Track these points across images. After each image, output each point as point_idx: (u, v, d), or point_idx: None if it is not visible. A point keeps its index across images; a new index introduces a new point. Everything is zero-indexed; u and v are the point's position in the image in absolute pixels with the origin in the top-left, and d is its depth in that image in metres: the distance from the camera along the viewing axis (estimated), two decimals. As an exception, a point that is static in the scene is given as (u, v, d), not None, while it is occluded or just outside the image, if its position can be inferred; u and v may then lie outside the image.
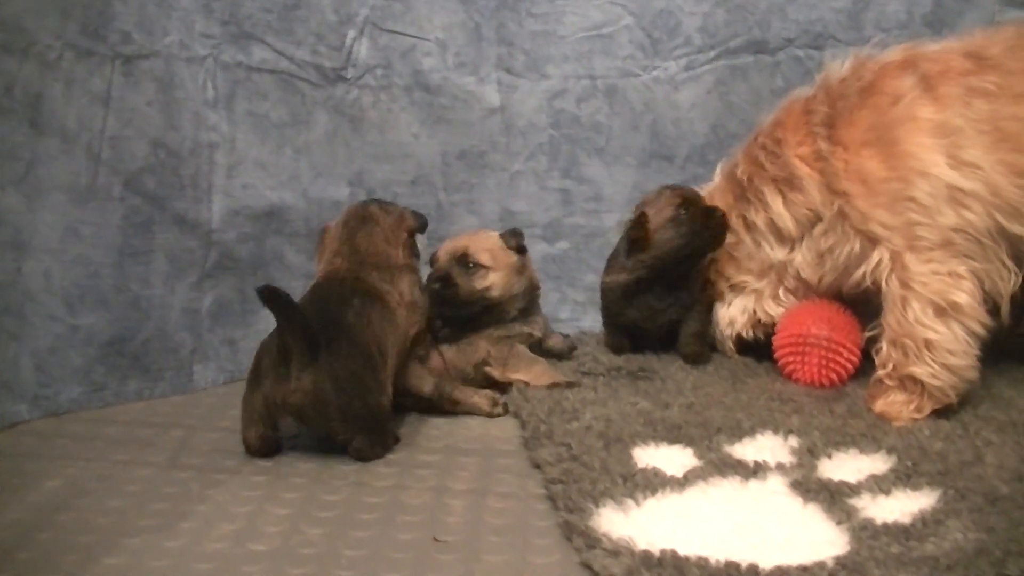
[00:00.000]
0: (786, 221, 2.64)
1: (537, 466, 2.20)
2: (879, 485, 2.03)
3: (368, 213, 2.65)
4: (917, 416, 2.41)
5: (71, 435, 2.45)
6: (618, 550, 1.76)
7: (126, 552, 1.85)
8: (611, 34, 3.06)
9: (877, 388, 2.51)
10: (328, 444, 2.32)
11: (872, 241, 2.48)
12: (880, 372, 2.50)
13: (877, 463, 2.15)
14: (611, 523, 1.87)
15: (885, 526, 1.87)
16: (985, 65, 2.49)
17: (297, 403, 2.23)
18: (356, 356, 2.27)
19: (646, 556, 1.73)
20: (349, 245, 2.58)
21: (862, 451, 2.21)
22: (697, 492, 2.02)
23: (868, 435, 2.28)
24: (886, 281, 2.47)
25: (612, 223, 3.16)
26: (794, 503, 1.98)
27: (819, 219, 2.58)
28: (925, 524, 1.86)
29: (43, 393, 2.56)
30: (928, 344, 2.41)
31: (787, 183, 2.61)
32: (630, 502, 1.95)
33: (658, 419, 2.38)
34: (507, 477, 2.18)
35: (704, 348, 2.89)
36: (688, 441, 2.26)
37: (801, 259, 2.65)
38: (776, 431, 2.31)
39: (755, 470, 2.11)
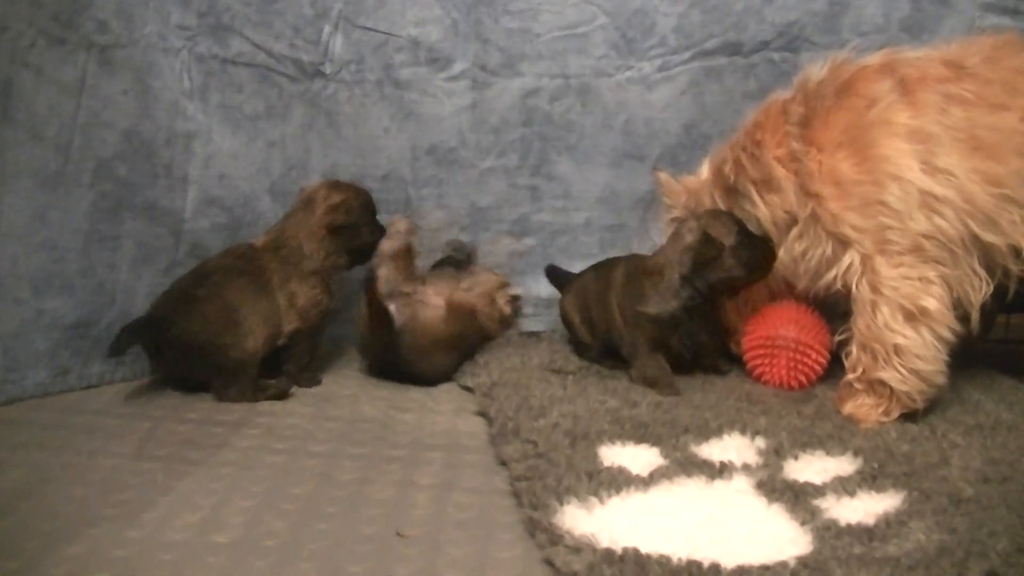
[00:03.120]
0: (768, 223, 2.64)
1: (503, 462, 2.20)
2: (844, 486, 2.03)
3: (313, 197, 2.80)
4: (884, 419, 2.42)
5: (37, 423, 2.44)
6: (580, 547, 1.76)
7: (88, 541, 1.84)
8: (586, 33, 3.06)
9: (846, 391, 2.51)
10: (295, 437, 2.35)
11: (843, 244, 2.48)
12: (849, 375, 2.50)
13: (843, 464, 2.15)
14: (575, 520, 1.87)
15: (849, 527, 1.87)
16: (963, 74, 2.50)
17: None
18: (200, 320, 2.61)
19: (608, 553, 1.73)
20: (281, 224, 2.82)
21: (828, 452, 2.21)
22: (662, 491, 2.02)
23: (835, 437, 2.29)
24: (856, 285, 2.46)
25: (580, 221, 3.17)
26: (758, 503, 1.98)
27: (795, 221, 2.58)
28: (888, 525, 1.87)
29: (9, 377, 2.57)
30: (897, 349, 2.42)
31: (766, 184, 2.61)
32: (594, 500, 1.94)
33: (626, 417, 2.38)
34: (473, 473, 2.18)
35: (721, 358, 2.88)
36: (655, 440, 2.26)
37: (778, 262, 2.65)
38: (743, 431, 2.31)
39: (721, 470, 2.11)
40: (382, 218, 2.97)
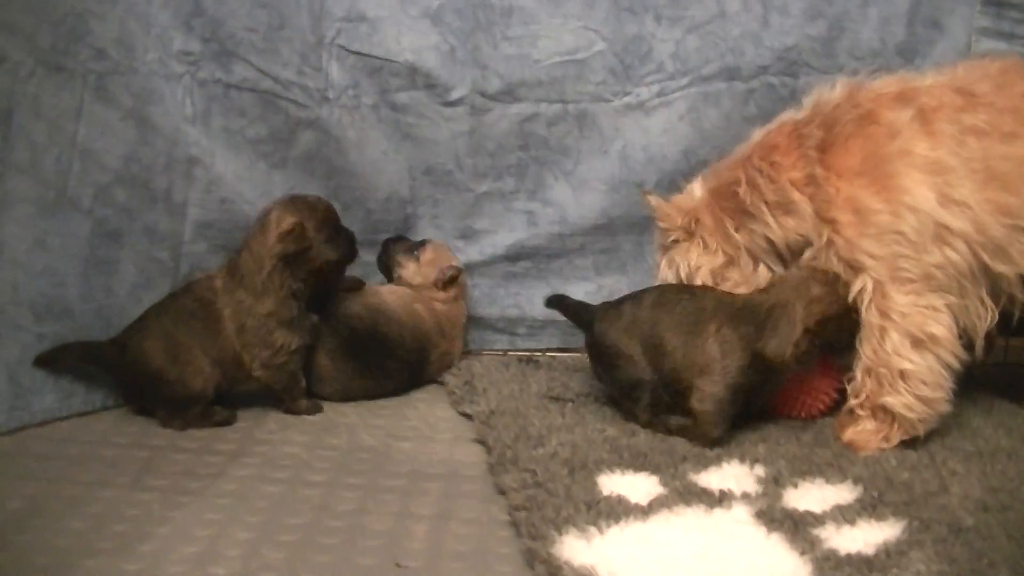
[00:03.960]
0: (780, 245, 2.64)
1: (502, 492, 2.20)
2: (844, 515, 2.04)
3: (267, 220, 2.73)
4: (884, 446, 2.41)
5: (34, 454, 2.44)
6: (579, 578, 1.76)
7: (84, 574, 1.84)
8: (584, 59, 3.04)
9: (847, 417, 2.51)
10: (293, 466, 2.35)
11: (856, 270, 2.47)
12: (852, 401, 2.50)
13: (843, 493, 2.16)
14: (573, 551, 1.87)
15: (848, 557, 1.87)
16: (976, 103, 2.50)
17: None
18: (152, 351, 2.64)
19: (607, 585, 1.74)
20: (238, 253, 2.76)
21: (828, 481, 2.21)
22: (661, 520, 2.02)
23: (834, 464, 2.29)
24: (866, 310, 2.46)
25: (576, 246, 3.17)
26: (758, 532, 1.98)
27: (808, 244, 2.58)
28: (888, 555, 1.87)
29: (17, 404, 2.57)
30: (903, 374, 2.41)
31: (781, 207, 2.59)
32: (593, 530, 1.95)
33: (624, 446, 2.37)
34: (471, 503, 2.18)
35: None
36: (654, 469, 2.25)
37: None
38: (742, 460, 2.31)
39: (720, 499, 2.11)
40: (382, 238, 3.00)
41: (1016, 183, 2.43)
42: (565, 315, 2.81)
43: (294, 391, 2.74)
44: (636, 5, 3.00)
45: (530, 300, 3.17)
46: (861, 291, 2.46)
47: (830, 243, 2.50)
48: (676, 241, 2.75)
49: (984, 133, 2.45)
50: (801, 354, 2.47)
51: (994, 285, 2.48)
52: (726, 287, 2.66)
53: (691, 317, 2.52)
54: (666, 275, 2.77)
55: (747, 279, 2.70)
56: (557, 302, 2.82)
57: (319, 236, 2.71)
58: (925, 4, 2.96)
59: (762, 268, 2.69)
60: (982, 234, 2.41)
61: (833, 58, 2.98)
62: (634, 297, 2.65)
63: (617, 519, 2.00)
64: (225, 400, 2.70)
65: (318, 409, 2.76)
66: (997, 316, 2.49)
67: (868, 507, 2.07)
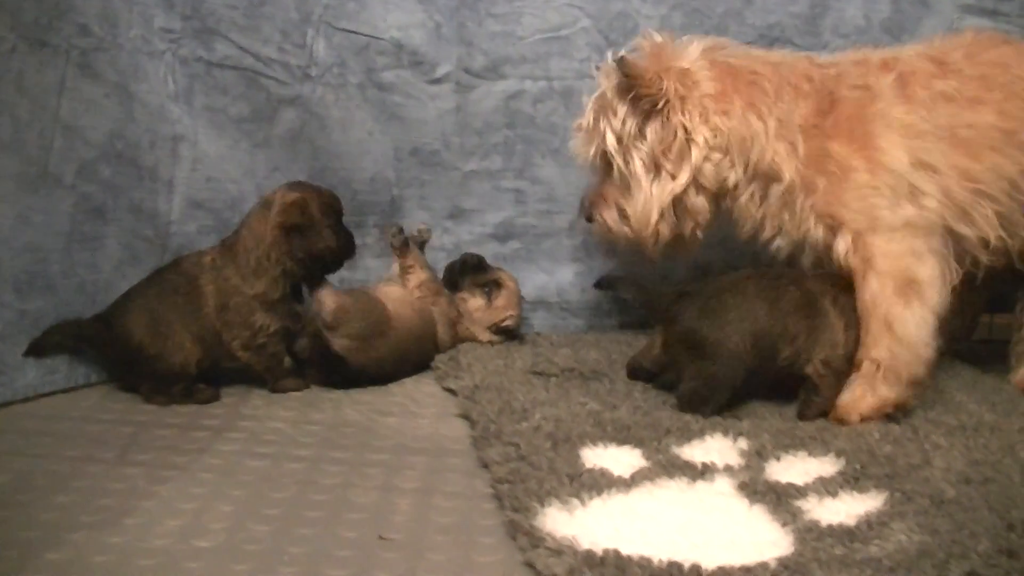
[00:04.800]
0: (760, 163, 2.56)
1: (485, 465, 2.19)
2: (826, 487, 2.04)
3: (271, 199, 2.74)
4: (871, 413, 2.44)
5: (20, 430, 2.43)
6: (561, 549, 1.76)
7: (69, 547, 1.83)
8: (568, 36, 3.05)
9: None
10: (278, 442, 2.36)
11: (836, 224, 2.50)
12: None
13: (825, 466, 2.16)
14: (556, 522, 1.87)
15: (830, 528, 1.87)
16: (947, 70, 2.56)
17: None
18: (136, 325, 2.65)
19: (588, 555, 1.73)
20: (237, 231, 2.75)
21: (811, 454, 2.21)
22: (644, 493, 2.02)
23: (818, 438, 2.29)
24: (847, 259, 2.49)
25: (565, 224, 3.18)
26: (740, 504, 1.99)
27: (778, 180, 2.55)
28: (870, 526, 1.87)
29: (0, 380, 2.57)
30: (887, 320, 2.44)
31: (782, 130, 2.54)
32: (576, 502, 1.95)
33: (607, 420, 2.38)
34: (455, 476, 2.18)
35: None
36: (637, 442, 2.25)
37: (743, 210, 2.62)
38: (726, 433, 2.31)
39: (703, 471, 2.11)
40: (368, 220, 3.00)
41: (980, 150, 2.51)
42: (625, 294, 2.78)
43: (276, 371, 2.74)
44: (622, -18, 3.01)
45: (521, 282, 3.17)
46: (842, 247, 2.49)
47: (808, 191, 2.51)
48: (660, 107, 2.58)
49: (952, 100, 2.52)
50: None
51: (958, 247, 2.53)
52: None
53: (805, 299, 2.50)
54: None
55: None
56: (609, 284, 2.78)
57: (322, 219, 2.72)
58: (910, -21, 2.97)
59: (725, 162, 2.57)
60: (947, 197, 2.47)
61: (817, 35, 3.00)
62: (732, 289, 2.52)
63: (600, 491, 2.00)
64: (210, 376, 2.70)
65: (304, 386, 2.76)
66: (960, 276, 2.53)
67: (850, 479, 2.07)
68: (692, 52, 2.58)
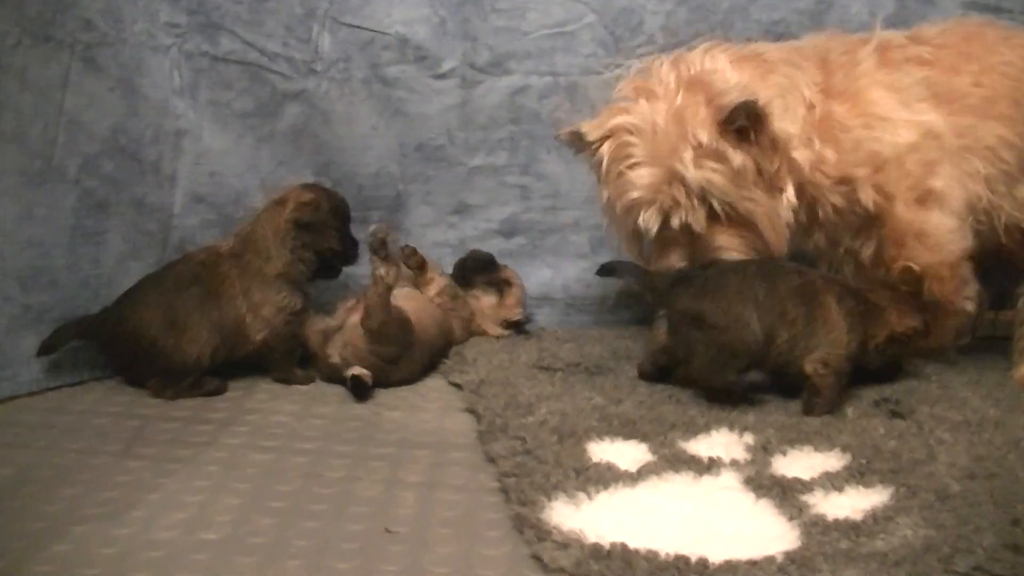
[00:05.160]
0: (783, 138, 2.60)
1: (491, 459, 2.20)
2: (832, 482, 2.04)
3: (286, 196, 2.78)
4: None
5: (26, 424, 2.44)
6: (568, 542, 1.76)
7: (74, 539, 1.84)
8: (573, 31, 3.05)
9: None
10: (283, 435, 2.36)
11: (851, 183, 2.65)
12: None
13: (831, 460, 2.16)
14: (562, 516, 1.87)
15: (836, 522, 1.87)
16: (920, 39, 2.76)
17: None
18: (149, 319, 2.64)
19: (595, 548, 1.74)
20: (251, 223, 2.79)
21: (816, 448, 2.21)
22: (649, 487, 2.02)
23: (823, 433, 2.29)
24: (872, 203, 2.66)
25: (569, 221, 3.18)
26: (746, 499, 1.98)
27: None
28: (876, 521, 1.87)
29: (4, 375, 2.57)
30: (917, 234, 2.66)
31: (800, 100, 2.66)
32: (582, 495, 1.95)
33: (613, 414, 2.38)
34: (460, 470, 2.18)
35: None
36: (642, 436, 2.26)
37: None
38: (731, 428, 2.31)
39: (709, 466, 2.11)
40: (373, 215, 3.00)
41: (961, 109, 2.68)
42: (626, 278, 2.82)
43: (291, 358, 2.77)
44: (626, -23, 3.01)
45: (526, 278, 3.17)
46: (864, 200, 2.67)
47: (821, 158, 2.63)
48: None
49: (927, 63, 2.69)
50: (875, 355, 2.55)
51: None
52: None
53: (806, 288, 2.48)
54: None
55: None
56: (609, 270, 2.75)
57: (332, 220, 2.79)
58: (914, -22, 2.97)
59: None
60: (939, 139, 2.66)
61: (822, 31, 2.98)
62: (733, 269, 2.51)
63: (606, 485, 2.00)
64: (217, 372, 2.70)
65: (311, 379, 2.76)
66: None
67: (856, 474, 2.07)
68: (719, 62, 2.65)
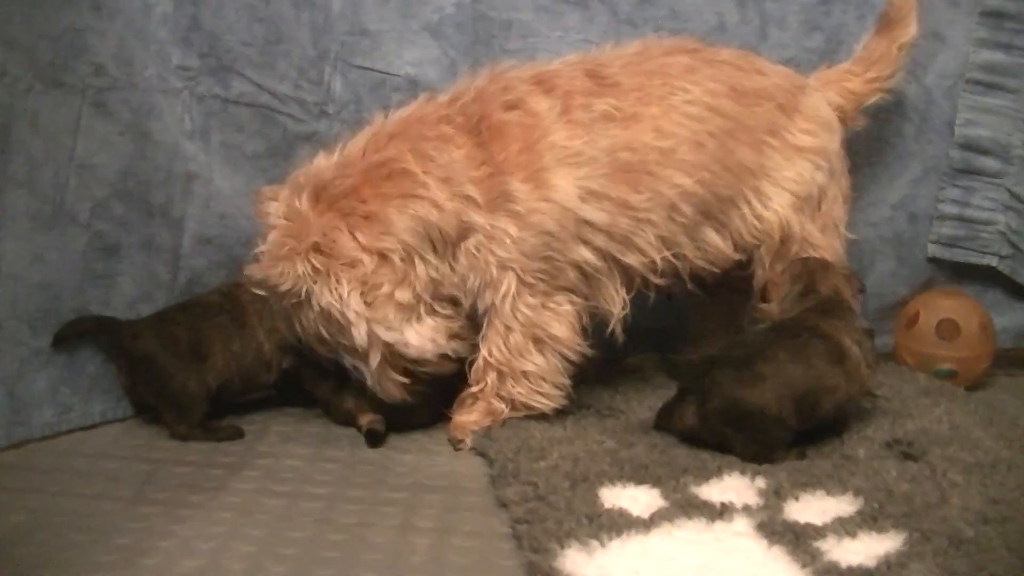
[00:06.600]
0: (447, 230, 2.54)
1: (503, 505, 2.20)
2: (845, 527, 2.03)
3: None
4: (488, 423, 2.60)
5: (37, 468, 2.44)
6: (581, 591, 1.76)
7: (87, 588, 1.84)
8: (584, 73, 3.06)
9: (461, 404, 2.65)
10: (295, 480, 2.35)
11: (504, 269, 2.52)
12: (472, 389, 2.62)
13: (843, 505, 2.15)
14: (575, 564, 1.87)
15: (850, 569, 1.87)
16: (603, 85, 2.60)
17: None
18: (155, 346, 2.64)
19: (609, 599, 1.74)
20: None
21: (829, 493, 2.20)
22: (663, 533, 2.02)
23: (835, 476, 2.28)
24: (500, 308, 2.54)
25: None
26: (759, 545, 1.98)
27: (472, 232, 2.54)
28: (889, 567, 1.87)
29: (16, 419, 2.56)
30: (526, 374, 2.58)
31: (449, 187, 2.53)
32: (595, 543, 1.94)
33: (625, 458, 2.37)
34: (472, 516, 2.18)
35: None
36: (655, 481, 2.25)
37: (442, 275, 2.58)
38: (743, 472, 2.30)
39: (721, 511, 2.11)
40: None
41: (639, 176, 2.56)
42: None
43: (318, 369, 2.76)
44: (636, 17, 3.02)
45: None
46: (505, 292, 2.53)
47: (491, 237, 2.52)
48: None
49: (611, 119, 2.55)
50: None
51: (626, 275, 2.62)
52: (379, 294, 2.51)
53: (829, 347, 2.47)
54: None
55: (405, 277, 2.53)
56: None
57: None
58: (925, 15, 2.97)
59: (419, 263, 2.53)
60: (613, 228, 2.54)
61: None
62: (761, 356, 2.44)
63: (619, 532, 1.99)
64: (230, 413, 2.72)
65: (338, 390, 2.73)
66: (628, 303, 2.65)
67: (869, 519, 2.07)
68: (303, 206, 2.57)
